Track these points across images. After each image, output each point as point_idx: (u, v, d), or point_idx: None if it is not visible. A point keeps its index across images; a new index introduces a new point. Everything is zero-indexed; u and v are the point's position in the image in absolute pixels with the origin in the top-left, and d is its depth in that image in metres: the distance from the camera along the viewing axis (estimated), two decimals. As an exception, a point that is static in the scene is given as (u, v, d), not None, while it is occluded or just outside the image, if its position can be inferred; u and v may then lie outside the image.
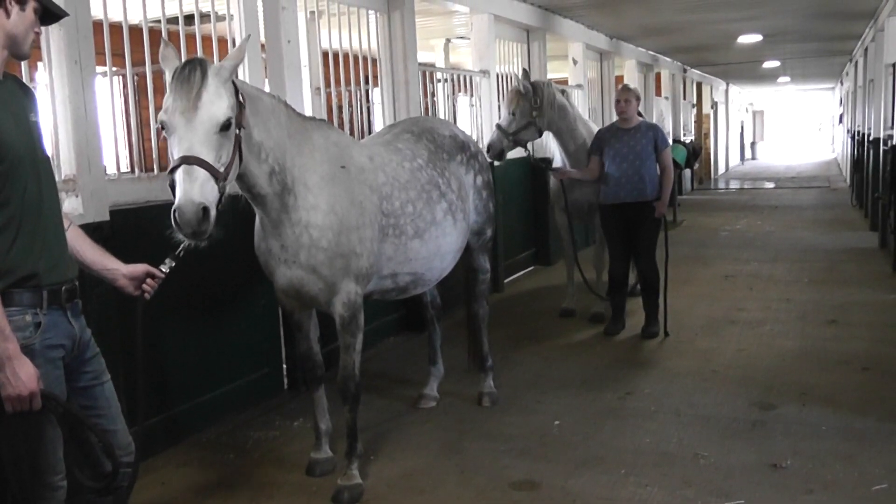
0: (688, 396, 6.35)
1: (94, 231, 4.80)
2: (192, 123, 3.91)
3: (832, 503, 4.62)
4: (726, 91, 33.00)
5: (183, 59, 4.08)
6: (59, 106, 5.00)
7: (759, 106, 49.28)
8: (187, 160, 3.87)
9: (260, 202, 4.57)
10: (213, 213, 3.85)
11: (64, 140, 5.02)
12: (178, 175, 3.84)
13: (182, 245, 3.92)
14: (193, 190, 3.81)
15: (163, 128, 3.97)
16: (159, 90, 6.38)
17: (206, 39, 6.40)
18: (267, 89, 6.68)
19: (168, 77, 4.05)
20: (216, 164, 3.93)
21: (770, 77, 29.28)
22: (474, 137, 10.81)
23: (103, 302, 5.02)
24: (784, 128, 54.25)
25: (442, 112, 10.71)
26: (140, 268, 3.74)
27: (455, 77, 10.84)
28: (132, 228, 5.29)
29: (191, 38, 6.15)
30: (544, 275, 11.78)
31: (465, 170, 5.86)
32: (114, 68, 5.75)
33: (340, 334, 4.87)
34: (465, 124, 11.15)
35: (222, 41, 6.56)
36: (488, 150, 8.48)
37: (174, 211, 3.80)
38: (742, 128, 41.75)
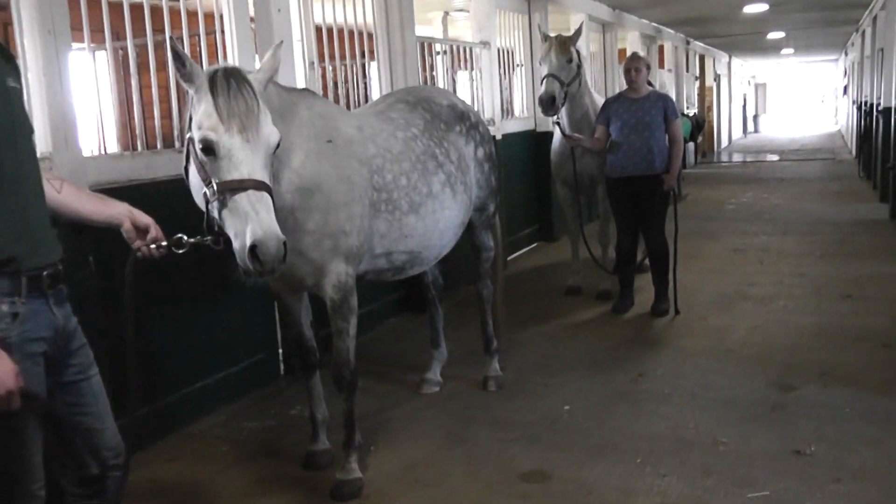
0: (703, 378, 6.06)
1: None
2: (252, 146, 3.50)
3: (863, 493, 4.31)
4: (729, 63, 32.59)
5: (210, 67, 3.62)
6: (32, 79, 4.66)
7: (762, 79, 48.83)
8: (261, 185, 3.46)
9: None
10: None
11: (38, 115, 4.67)
12: (248, 201, 3.41)
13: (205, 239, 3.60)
14: (274, 221, 3.42)
15: (205, 148, 3.50)
16: (143, 66, 6.13)
17: (192, 15, 6.07)
18: (257, 64, 6.38)
19: (198, 87, 3.59)
20: None
21: (773, 49, 28.89)
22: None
23: (83, 287, 4.74)
24: (786, 100, 53.82)
25: (447, 88, 10.30)
26: (144, 219, 3.38)
27: (455, 50, 10.48)
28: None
29: (175, 13, 5.82)
30: (548, 251, 11.49)
31: (465, 141, 5.49)
32: (93, 45, 5.45)
33: (332, 318, 4.54)
34: (468, 100, 10.85)
35: (208, 16, 6.22)
36: (550, 102, 7.95)
37: (252, 246, 3.35)
38: (745, 101, 41.36)
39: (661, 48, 20.10)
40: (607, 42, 15.49)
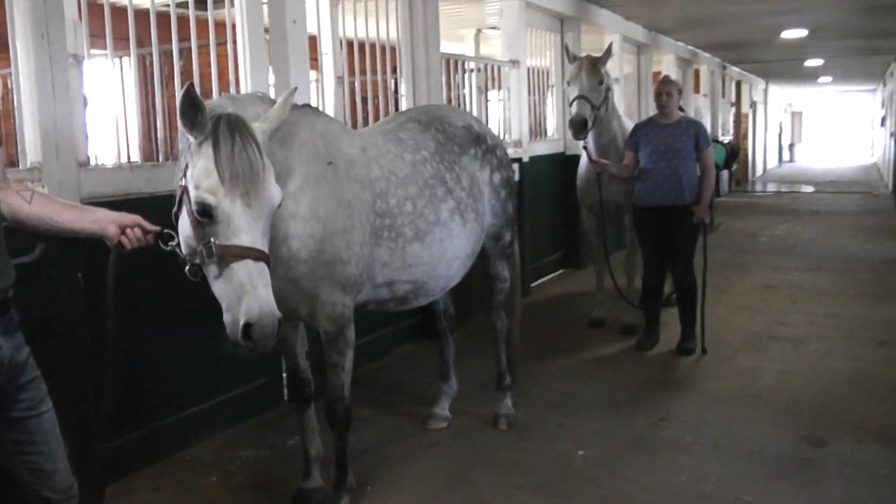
0: (728, 426, 5.68)
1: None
2: (254, 212, 3.21)
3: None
4: (765, 90, 32.15)
5: (210, 115, 3.29)
6: (23, 84, 4.40)
7: (798, 107, 48.30)
8: (261, 256, 3.20)
9: None
10: None
11: (29, 123, 4.42)
12: (246, 273, 3.14)
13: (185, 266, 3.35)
14: (271, 298, 3.15)
15: (201, 211, 3.19)
16: (151, 76, 5.87)
17: (202, 24, 5.78)
18: (271, 78, 6.11)
19: (197, 139, 3.27)
20: None
21: (811, 76, 28.50)
22: (502, 132, 10.20)
23: (71, 304, 4.50)
24: (822, 130, 53.20)
25: (475, 108, 9.94)
26: (130, 217, 3.22)
27: (486, 69, 10.15)
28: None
29: (184, 21, 5.53)
30: (574, 279, 11.13)
31: (480, 165, 5.15)
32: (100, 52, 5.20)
33: (327, 352, 4.22)
34: (496, 120, 10.56)
35: (220, 26, 5.92)
36: (583, 125, 7.62)
37: (247, 324, 3.09)
38: (780, 129, 40.85)
39: (696, 72, 19.78)
40: (642, 64, 15.20)
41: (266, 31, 6.04)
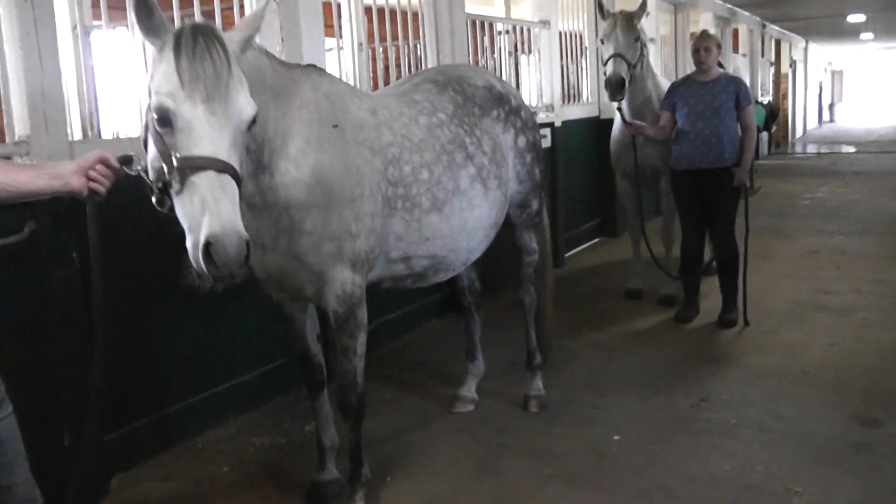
0: (773, 405, 5.30)
1: (49, 204, 3.96)
2: (219, 119, 2.84)
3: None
4: (805, 49, 31.36)
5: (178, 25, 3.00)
6: (7, 52, 4.09)
7: (839, 66, 47.28)
8: (226, 167, 2.82)
9: None
10: None
11: (15, 94, 4.12)
12: (208, 185, 2.77)
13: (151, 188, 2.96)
14: (236, 215, 2.80)
15: (161, 118, 2.83)
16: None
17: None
18: (279, 40, 5.76)
19: (163, 45, 2.93)
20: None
21: (852, 33, 27.70)
22: (532, 97, 9.79)
23: (66, 286, 4.23)
24: (864, 89, 52.12)
25: (504, 71, 9.51)
26: (91, 157, 2.80)
27: (515, 30, 9.71)
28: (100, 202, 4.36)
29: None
30: (610, 248, 10.73)
31: (503, 128, 4.76)
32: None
33: (336, 335, 3.88)
34: (527, 85, 10.16)
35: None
36: (620, 84, 7.22)
37: (207, 243, 2.71)
38: (821, 88, 39.98)
39: (735, 32, 19.20)
40: (678, 24, 14.67)
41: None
